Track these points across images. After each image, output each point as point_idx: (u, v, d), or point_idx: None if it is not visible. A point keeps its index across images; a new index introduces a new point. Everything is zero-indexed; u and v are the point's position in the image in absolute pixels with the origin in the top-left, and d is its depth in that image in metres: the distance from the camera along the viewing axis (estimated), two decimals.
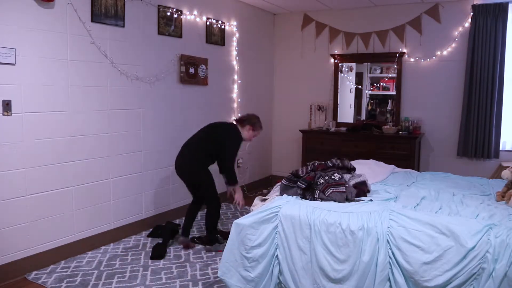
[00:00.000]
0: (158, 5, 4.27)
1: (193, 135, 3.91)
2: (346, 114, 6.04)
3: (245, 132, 3.85)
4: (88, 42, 3.61)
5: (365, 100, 5.97)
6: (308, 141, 5.75)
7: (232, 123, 3.95)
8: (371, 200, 2.91)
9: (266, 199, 3.08)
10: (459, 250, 2.25)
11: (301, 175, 3.07)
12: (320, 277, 2.59)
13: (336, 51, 5.95)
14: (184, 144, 3.88)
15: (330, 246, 2.56)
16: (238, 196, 3.85)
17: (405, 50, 5.51)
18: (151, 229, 4.23)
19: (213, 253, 3.72)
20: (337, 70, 5.95)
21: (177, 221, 4.55)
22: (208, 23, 4.97)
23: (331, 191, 2.89)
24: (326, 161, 3.29)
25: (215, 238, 3.84)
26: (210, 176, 3.78)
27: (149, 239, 4.06)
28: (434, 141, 5.45)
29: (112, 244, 3.91)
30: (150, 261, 3.56)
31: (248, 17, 5.75)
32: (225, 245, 3.61)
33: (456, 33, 5.21)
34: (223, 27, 5.22)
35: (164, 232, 4.01)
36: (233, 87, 5.56)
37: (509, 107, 5.04)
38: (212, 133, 3.81)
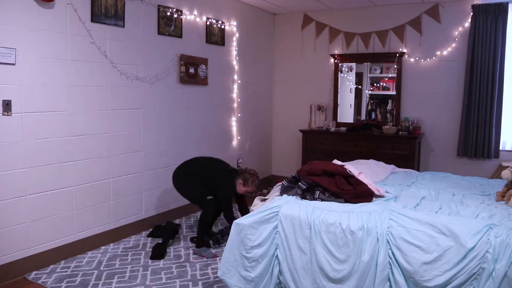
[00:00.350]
0: (158, 5, 4.27)
1: (199, 162, 4.07)
2: (346, 114, 6.04)
3: (237, 184, 3.95)
4: (88, 42, 3.61)
5: (365, 100, 5.97)
6: (308, 141, 5.75)
7: (230, 171, 4.04)
8: None
9: (266, 199, 3.09)
10: (459, 250, 2.25)
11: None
12: (320, 277, 2.59)
13: (336, 51, 5.95)
14: (191, 162, 4.06)
15: (330, 246, 2.56)
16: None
17: (405, 50, 5.51)
18: (151, 229, 4.23)
19: (205, 259, 3.61)
20: (337, 70, 5.95)
21: (177, 221, 4.55)
22: (208, 23, 4.97)
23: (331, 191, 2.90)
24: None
25: (202, 242, 3.82)
26: (194, 188, 3.93)
27: (149, 239, 4.06)
28: (434, 141, 5.45)
29: (112, 244, 3.91)
30: (150, 261, 3.56)
31: (248, 17, 5.75)
32: (211, 252, 3.64)
33: (456, 33, 5.21)
34: (223, 27, 5.22)
35: (164, 232, 4.01)
36: (233, 87, 5.56)
37: (509, 107, 5.04)
38: (208, 173, 3.97)
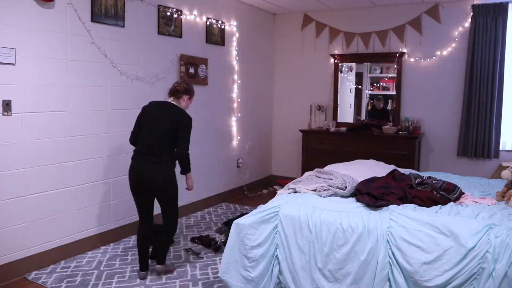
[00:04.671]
0: (158, 5, 4.27)
1: (149, 129, 3.19)
2: (346, 114, 6.04)
3: (183, 103, 3.31)
4: (88, 42, 3.61)
5: (365, 100, 5.98)
6: (308, 141, 5.75)
7: (171, 103, 3.30)
8: None
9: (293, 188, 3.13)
10: (459, 250, 2.26)
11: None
12: (319, 277, 2.59)
13: (336, 51, 5.95)
14: (142, 143, 3.19)
15: (330, 246, 2.56)
16: (190, 183, 3.30)
17: (405, 50, 5.51)
18: None
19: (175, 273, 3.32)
20: (337, 70, 5.95)
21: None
22: (208, 23, 4.97)
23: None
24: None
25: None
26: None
27: None
28: (434, 141, 5.45)
29: (112, 244, 3.91)
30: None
31: (248, 17, 5.75)
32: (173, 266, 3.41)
33: (456, 33, 5.21)
34: (223, 27, 5.22)
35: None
36: (233, 87, 5.56)
37: (509, 107, 5.04)
38: (171, 120, 3.19)
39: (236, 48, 5.51)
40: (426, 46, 5.39)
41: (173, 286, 3.12)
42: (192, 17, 4.74)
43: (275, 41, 6.43)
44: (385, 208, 2.66)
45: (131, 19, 3.98)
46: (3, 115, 3.06)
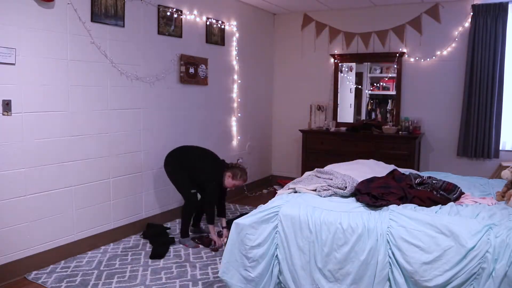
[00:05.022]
0: (158, 5, 4.27)
1: (190, 150, 4.06)
2: (346, 114, 6.04)
3: (225, 177, 3.90)
4: (88, 42, 3.61)
5: (365, 100, 5.98)
6: (308, 141, 5.75)
7: (219, 162, 4.01)
8: None
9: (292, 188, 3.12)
10: (459, 250, 2.26)
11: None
12: (319, 277, 2.59)
13: (336, 51, 5.95)
14: (182, 148, 4.08)
15: (330, 246, 2.56)
16: (214, 237, 3.90)
17: (405, 50, 5.51)
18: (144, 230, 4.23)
19: (189, 248, 3.82)
20: (337, 70, 5.95)
21: (176, 221, 4.55)
22: (208, 23, 4.97)
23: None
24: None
25: (186, 233, 3.95)
26: (181, 176, 3.95)
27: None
28: (434, 141, 5.45)
29: (112, 244, 3.91)
30: (150, 261, 3.56)
31: (248, 17, 5.75)
32: (193, 243, 3.87)
33: (456, 33, 5.21)
34: (223, 27, 5.22)
35: (149, 237, 4.02)
36: (233, 87, 5.56)
37: (509, 107, 5.04)
38: (198, 163, 3.95)
39: (236, 48, 5.51)
40: (426, 46, 5.39)
41: (173, 286, 3.12)
42: (192, 17, 4.74)
43: (275, 41, 6.43)
44: (385, 208, 2.66)
45: (131, 19, 3.98)
46: (3, 115, 3.06)
